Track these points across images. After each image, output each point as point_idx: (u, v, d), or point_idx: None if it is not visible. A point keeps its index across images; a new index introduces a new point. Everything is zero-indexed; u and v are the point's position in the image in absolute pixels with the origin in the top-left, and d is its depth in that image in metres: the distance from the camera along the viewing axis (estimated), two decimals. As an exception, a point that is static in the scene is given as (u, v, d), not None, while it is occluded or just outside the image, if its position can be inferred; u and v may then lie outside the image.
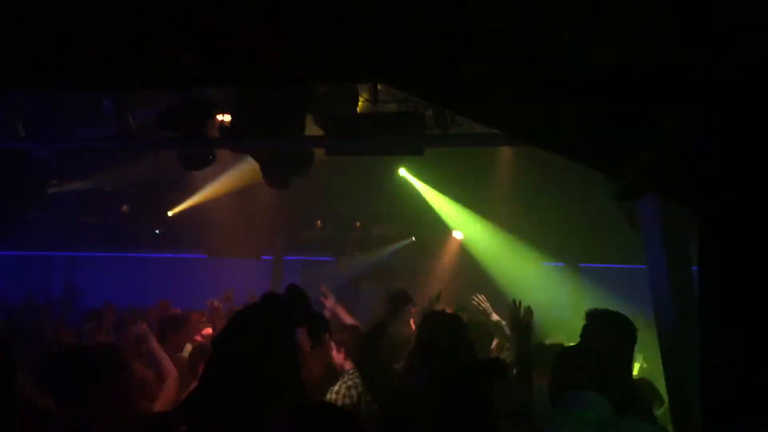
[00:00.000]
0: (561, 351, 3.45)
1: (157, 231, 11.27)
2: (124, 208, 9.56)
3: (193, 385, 3.59)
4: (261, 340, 2.46)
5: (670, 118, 2.52)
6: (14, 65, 3.06)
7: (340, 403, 4.10)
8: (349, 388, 4.12)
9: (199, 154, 5.70)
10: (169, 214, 9.96)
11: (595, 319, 3.94)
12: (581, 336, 3.85)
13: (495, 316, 5.29)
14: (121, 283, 12.37)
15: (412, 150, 5.19)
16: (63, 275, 14.87)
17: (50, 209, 8.60)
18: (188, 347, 6.00)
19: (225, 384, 2.44)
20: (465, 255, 10.94)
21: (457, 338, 3.45)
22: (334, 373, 4.64)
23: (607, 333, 3.77)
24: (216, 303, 8.41)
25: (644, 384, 4.29)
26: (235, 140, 5.18)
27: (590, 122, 3.08)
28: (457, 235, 10.51)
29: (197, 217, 10.07)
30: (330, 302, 5.12)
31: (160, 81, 3.27)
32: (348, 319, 4.79)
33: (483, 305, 5.35)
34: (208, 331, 6.43)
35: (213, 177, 8.40)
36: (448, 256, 11.03)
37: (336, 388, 4.21)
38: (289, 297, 2.64)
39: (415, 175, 8.65)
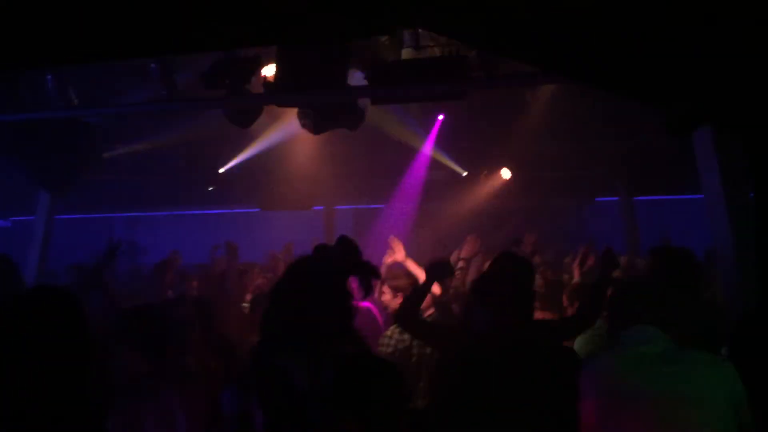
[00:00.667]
0: (618, 285, 3.45)
1: (210, 188, 11.46)
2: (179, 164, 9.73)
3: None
4: (314, 290, 2.56)
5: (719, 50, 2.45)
6: (58, 38, 3.12)
7: (391, 349, 4.18)
8: (401, 332, 4.17)
9: (245, 110, 5.74)
10: (220, 171, 10.12)
11: (657, 255, 3.93)
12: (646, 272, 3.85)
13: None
14: (178, 240, 12.71)
15: (455, 94, 5.12)
16: (123, 234, 15.32)
17: (106, 172, 8.81)
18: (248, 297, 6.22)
19: (281, 332, 2.54)
20: (516, 193, 10.83)
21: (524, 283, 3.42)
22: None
23: (670, 268, 3.76)
24: (277, 254, 8.65)
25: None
26: (280, 95, 5.19)
27: (640, 56, 3.00)
28: (505, 173, 10.35)
29: (248, 172, 10.22)
30: (400, 254, 4.91)
31: (201, 43, 3.29)
32: (418, 272, 4.59)
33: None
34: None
35: (260, 131, 8.45)
36: (500, 195, 10.89)
37: (389, 333, 4.28)
38: (340, 248, 2.70)
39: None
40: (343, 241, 2.72)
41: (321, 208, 13.08)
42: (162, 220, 15.27)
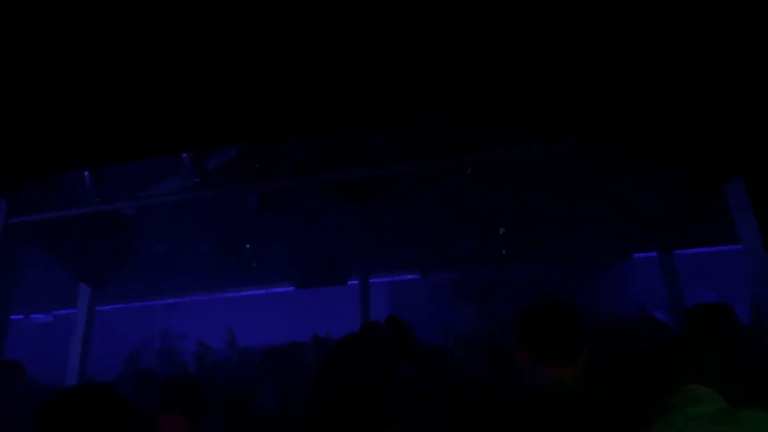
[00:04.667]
0: (665, 347, 3.36)
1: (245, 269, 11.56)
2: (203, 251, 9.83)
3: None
4: (362, 372, 2.50)
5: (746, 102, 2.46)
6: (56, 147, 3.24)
7: None
8: None
9: (275, 196, 5.85)
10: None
11: (697, 314, 3.85)
12: (686, 331, 3.75)
13: None
14: (216, 324, 12.76)
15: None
16: (164, 322, 15.47)
17: (143, 263, 8.95)
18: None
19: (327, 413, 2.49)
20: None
21: None
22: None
23: (710, 326, 3.67)
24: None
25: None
26: (309, 176, 5.29)
27: (668, 123, 3.02)
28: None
29: (282, 252, 10.30)
30: None
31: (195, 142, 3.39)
32: None
33: None
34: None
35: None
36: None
37: None
38: (390, 327, 2.65)
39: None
40: (393, 320, 2.68)
41: (356, 282, 13.05)
42: (199, 305, 15.39)
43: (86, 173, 6.16)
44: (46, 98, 2.58)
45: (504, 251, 10.49)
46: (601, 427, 2.83)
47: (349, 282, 12.80)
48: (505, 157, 5.02)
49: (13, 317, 7.47)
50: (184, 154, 5.99)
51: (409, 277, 13.74)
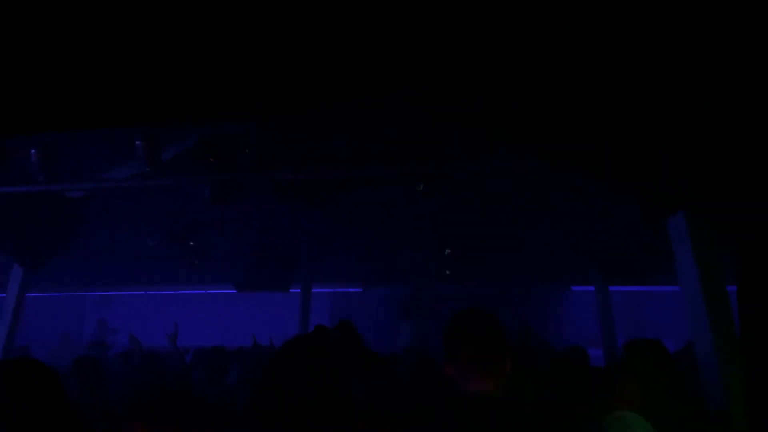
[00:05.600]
0: (597, 374, 3.46)
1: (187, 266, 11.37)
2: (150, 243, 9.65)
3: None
4: (313, 373, 2.44)
5: (697, 131, 2.56)
6: (46, 104, 3.17)
7: None
8: None
9: (230, 188, 5.79)
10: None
11: (633, 347, 3.99)
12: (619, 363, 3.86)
13: None
14: (151, 320, 12.49)
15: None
16: (95, 314, 15.08)
17: (83, 249, 8.72)
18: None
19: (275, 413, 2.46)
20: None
21: None
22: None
23: (643, 360, 3.81)
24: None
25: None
26: (266, 172, 5.26)
27: (614, 142, 3.11)
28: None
29: (226, 251, 10.18)
30: None
31: (189, 114, 3.36)
32: None
33: None
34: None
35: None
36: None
37: None
38: (342, 331, 2.63)
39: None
40: (345, 325, 2.66)
41: (298, 290, 12.95)
42: (134, 299, 15.05)
43: (33, 150, 5.98)
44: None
45: (448, 271, 10.60)
46: None
47: (291, 290, 12.73)
48: (463, 170, 5.11)
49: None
50: (138, 141, 5.87)
51: (352, 290, 13.73)
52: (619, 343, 9.93)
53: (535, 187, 6.73)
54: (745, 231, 2.38)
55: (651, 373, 3.72)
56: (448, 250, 10.10)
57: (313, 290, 13.23)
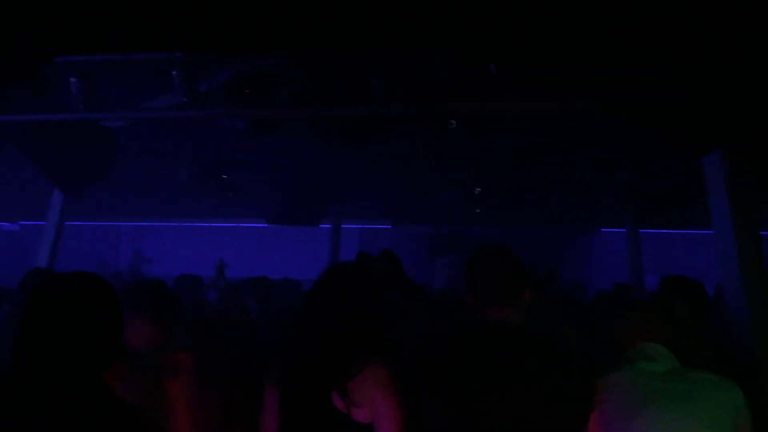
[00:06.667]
0: (630, 306, 3.48)
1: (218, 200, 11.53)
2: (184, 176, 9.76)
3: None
4: (354, 301, 2.49)
5: (736, 68, 2.53)
6: (84, 27, 3.18)
7: None
8: None
9: (265, 123, 5.83)
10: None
11: (668, 284, 3.98)
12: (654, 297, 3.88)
13: None
14: (186, 252, 12.77)
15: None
16: (131, 244, 15.41)
17: (120, 180, 8.89)
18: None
19: (313, 342, 2.51)
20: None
21: None
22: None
23: (680, 297, 3.81)
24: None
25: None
26: (302, 108, 5.28)
27: (650, 81, 3.08)
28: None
29: (258, 186, 10.30)
30: None
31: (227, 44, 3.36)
32: None
33: None
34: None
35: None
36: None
37: None
38: (386, 261, 2.65)
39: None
40: (387, 254, 2.68)
41: (328, 226, 13.10)
42: (170, 231, 15.33)
43: (73, 79, 6.06)
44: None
45: (478, 210, 10.63)
46: (543, 363, 2.92)
47: (321, 225, 12.89)
48: (498, 112, 5.07)
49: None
50: (174, 72, 5.91)
51: (381, 226, 13.83)
52: (647, 285, 9.96)
53: (568, 130, 6.67)
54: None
55: (688, 312, 3.73)
56: (478, 189, 10.10)
57: (343, 226, 13.41)
